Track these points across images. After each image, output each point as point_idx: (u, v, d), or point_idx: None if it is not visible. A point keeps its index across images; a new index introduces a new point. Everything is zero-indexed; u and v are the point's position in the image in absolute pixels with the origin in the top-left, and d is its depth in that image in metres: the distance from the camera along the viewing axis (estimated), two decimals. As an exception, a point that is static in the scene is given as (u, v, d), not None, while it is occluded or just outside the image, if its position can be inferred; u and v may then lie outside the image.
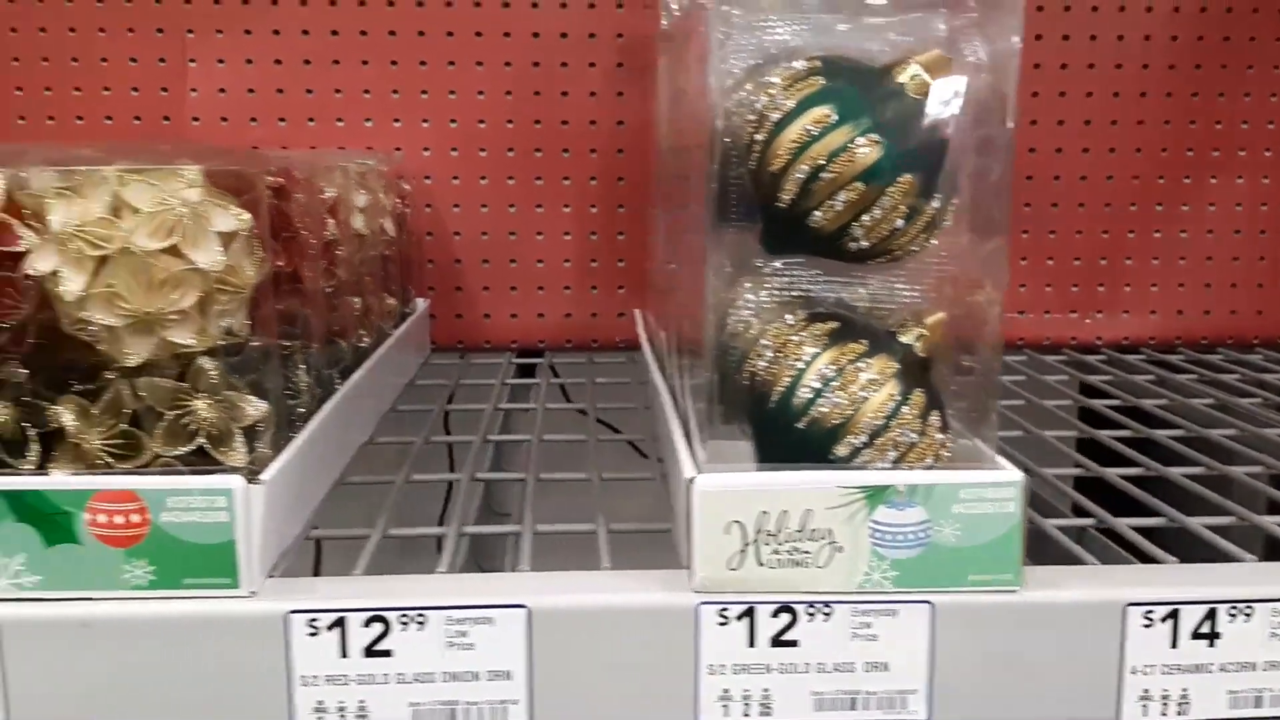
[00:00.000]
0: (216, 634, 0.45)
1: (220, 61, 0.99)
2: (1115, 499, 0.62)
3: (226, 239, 0.46)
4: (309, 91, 1.00)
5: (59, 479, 0.45)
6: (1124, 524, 0.57)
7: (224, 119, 1.00)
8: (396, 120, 1.01)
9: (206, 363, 0.48)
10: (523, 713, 0.46)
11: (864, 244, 0.46)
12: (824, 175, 0.45)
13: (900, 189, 0.45)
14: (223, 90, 0.99)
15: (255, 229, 0.47)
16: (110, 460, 0.46)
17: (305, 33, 0.99)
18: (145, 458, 0.46)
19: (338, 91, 1.00)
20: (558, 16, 1.00)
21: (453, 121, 1.01)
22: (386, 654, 0.45)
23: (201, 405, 0.47)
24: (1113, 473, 0.65)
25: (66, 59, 0.98)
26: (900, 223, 0.45)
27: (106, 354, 0.47)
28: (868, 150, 0.44)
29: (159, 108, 0.99)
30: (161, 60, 0.99)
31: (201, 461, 0.47)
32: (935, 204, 0.46)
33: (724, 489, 0.45)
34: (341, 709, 0.45)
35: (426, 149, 1.01)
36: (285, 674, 0.45)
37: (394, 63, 1.00)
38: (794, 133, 0.45)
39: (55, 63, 0.98)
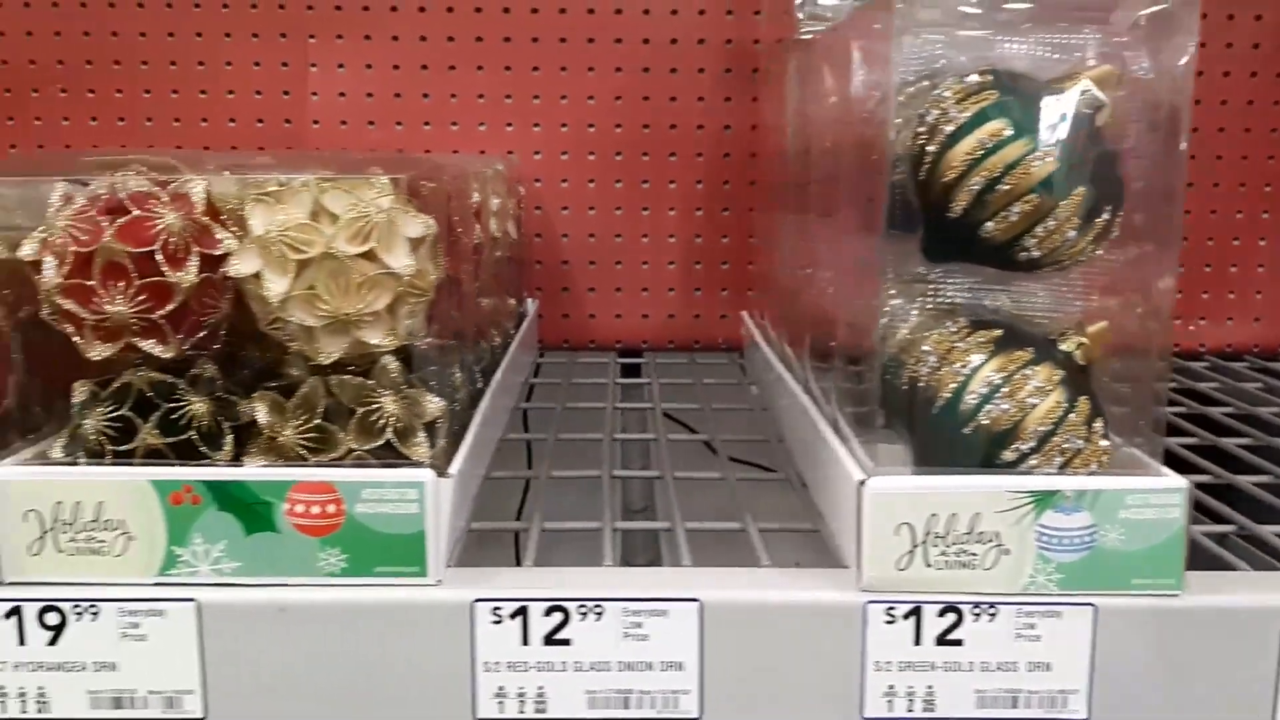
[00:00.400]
0: (405, 620, 0.47)
1: (340, 66, 1.02)
2: (1245, 506, 0.62)
3: (415, 244, 0.48)
4: (425, 96, 1.02)
5: (262, 470, 0.47)
6: (1268, 531, 0.57)
7: (343, 122, 1.02)
8: (509, 124, 1.03)
9: (390, 361, 0.50)
10: (693, 703, 0.48)
11: (1035, 254, 0.47)
12: (999, 187, 0.46)
13: (1074, 201, 0.46)
14: (342, 94, 1.02)
15: (439, 234, 0.49)
16: (304, 454, 0.48)
17: (423, 38, 1.01)
18: (339, 451, 0.48)
19: (453, 96, 1.02)
20: (668, 23, 1.01)
21: (563, 125, 1.03)
22: (565, 643, 0.47)
23: (389, 402, 0.49)
24: (1244, 480, 0.65)
25: (192, 63, 1.01)
26: (1072, 234, 0.46)
27: (297, 352, 0.50)
28: (1043, 164, 0.45)
29: (281, 111, 1.02)
30: (284, 64, 1.02)
31: (388, 456, 0.49)
32: (1105, 216, 0.47)
33: (896, 492, 0.46)
34: (521, 695, 0.47)
35: (537, 152, 1.03)
36: (469, 660, 0.47)
37: (508, 68, 1.02)
38: (969, 145, 0.46)
39: (182, 66, 1.01)
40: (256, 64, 1.01)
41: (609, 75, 1.02)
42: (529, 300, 1.02)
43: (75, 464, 0.48)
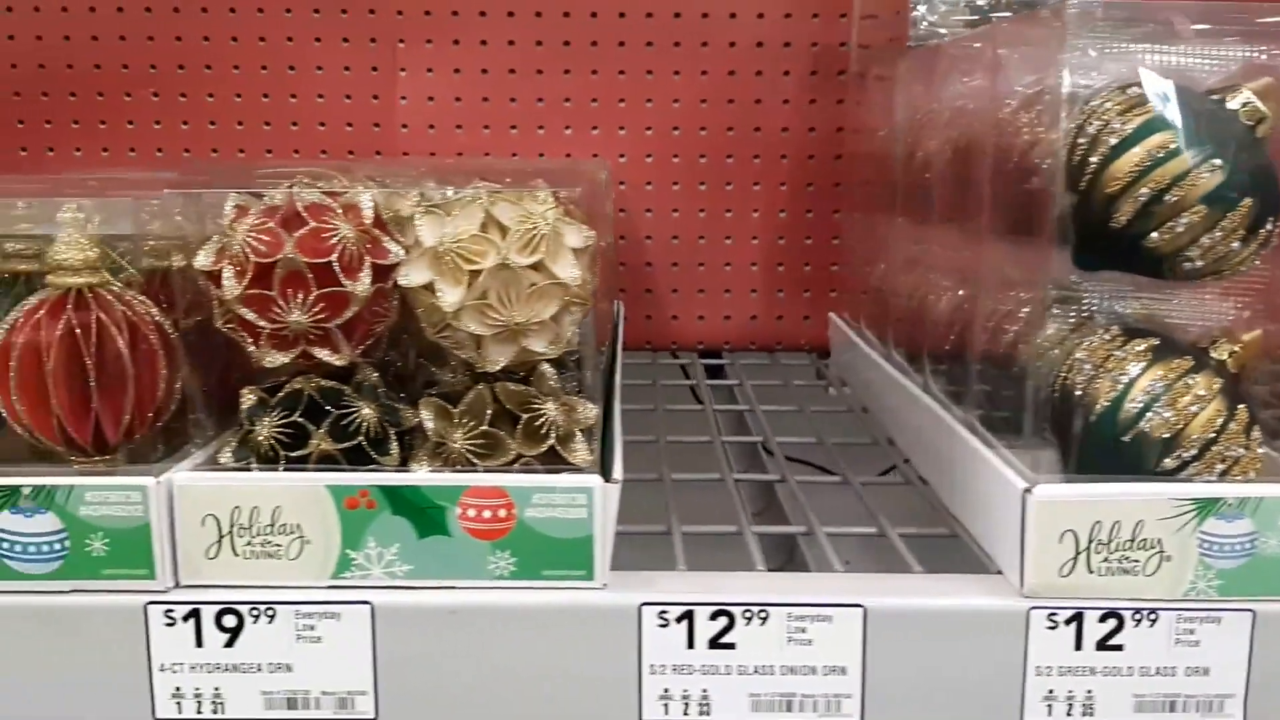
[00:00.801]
0: (572, 623, 0.48)
1: (429, 70, 1.03)
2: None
3: (577, 254, 0.49)
4: (512, 100, 1.03)
5: (436, 475, 0.48)
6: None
7: (431, 126, 1.03)
8: (594, 128, 1.04)
9: (547, 369, 0.51)
10: (855, 707, 0.48)
11: (1198, 264, 0.47)
12: (1166, 199, 0.46)
13: (1241, 213, 0.46)
14: (431, 98, 1.03)
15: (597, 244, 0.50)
16: (473, 459, 0.49)
17: (511, 43, 1.02)
18: (508, 457, 0.49)
19: (539, 100, 1.03)
20: (754, 26, 1.02)
21: (648, 129, 1.04)
22: (730, 646, 0.48)
23: (551, 408, 0.50)
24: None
25: (284, 67, 1.03)
26: (1236, 245, 0.47)
27: (457, 359, 0.51)
28: (1211, 176, 0.46)
29: (370, 114, 1.03)
30: (374, 69, 1.03)
31: (552, 461, 0.50)
32: (1268, 226, 0.47)
33: (1062, 500, 0.47)
34: (686, 697, 0.48)
35: (622, 155, 1.04)
36: (635, 662, 0.48)
37: (594, 72, 1.03)
38: (1135, 157, 0.47)
39: (273, 70, 1.02)
40: (346, 69, 1.03)
41: (694, 78, 1.03)
42: (616, 302, 1.03)
43: (248, 469, 0.49)
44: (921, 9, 0.73)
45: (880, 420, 0.78)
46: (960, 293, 0.64)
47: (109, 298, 0.49)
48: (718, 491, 0.67)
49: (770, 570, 0.53)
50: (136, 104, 1.03)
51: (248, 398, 0.51)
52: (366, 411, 0.50)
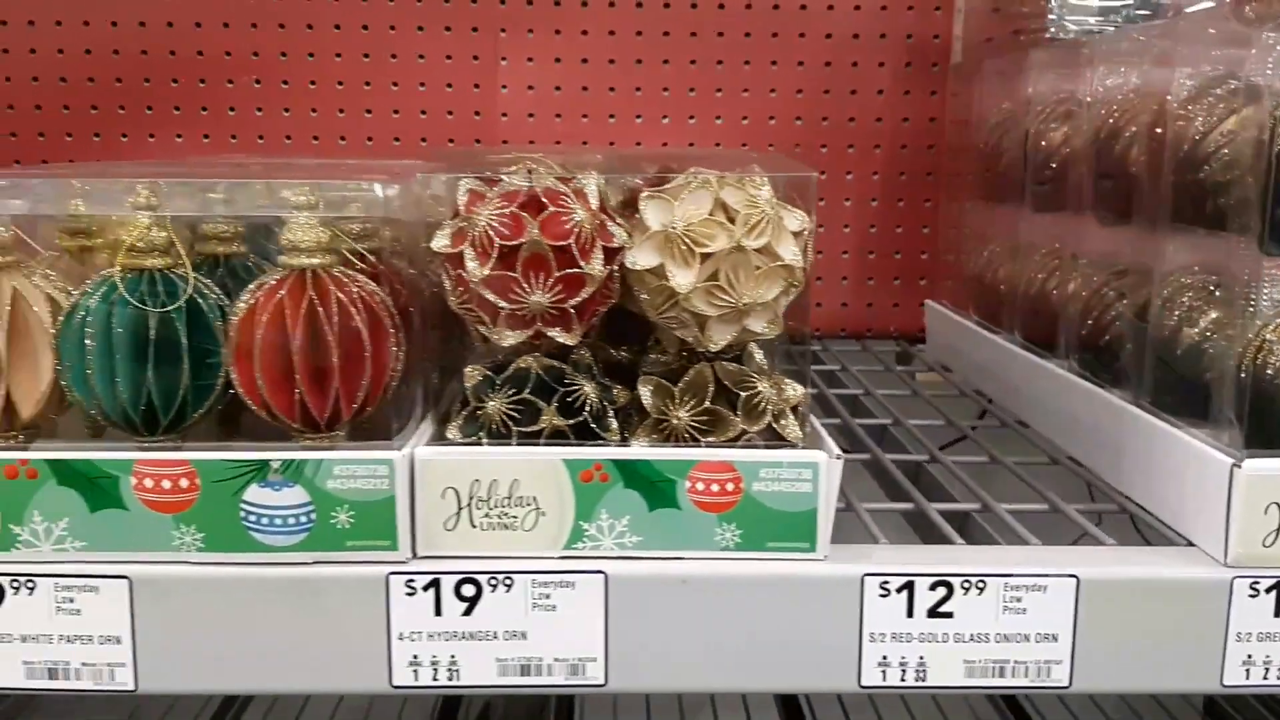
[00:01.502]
0: (795, 593, 0.50)
1: (530, 60, 1.04)
2: None
3: (795, 237, 0.51)
4: (611, 89, 1.05)
5: (669, 450, 0.50)
6: None
7: (531, 115, 1.05)
8: (691, 117, 1.06)
9: (755, 349, 0.53)
10: (1064, 673, 0.51)
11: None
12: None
13: None
14: (531, 87, 1.05)
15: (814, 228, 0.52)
16: (696, 435, 0.51)
17: (611, 33, 1.04)
18: (731, 433, 0.51)
19: (638, 89, 1.05)
20: (851, 18, 1.04)
21: (744, 118, 1.06)
22: (948, 615, 0.50)
23: (766, 386, 0.52)
24: None
25: (386, 55, 1.04)
26: None
27: (674, 339, 0.53)
28: None
29: (471, 103, 1.05)
30: (475, 58, 1.04)
31: (769, 438, 0.52)
32: None
33: (1268, 473, 0.49)
34: (903, 664, 0.50)
35: (718, 144, 1.06)
36: (856, 631, 0.50)
37: (693, 62, 1.04)
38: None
39: (375, 58, 1.04)
40: (448, 57, 1.04)
41: (791, 69, 1.05)
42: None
43: (479, 444, 0.51)
44: (1055, 3, 0.75)
45: (1005, 403, 0.81)
46: (1112, 279, 0.66)
47: (342, 278, 0.51)
48: (868, 470, 0.69)
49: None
50: (238, 90, 1.04)
51: (472, 376, 0.53)
52: (589, 389, 0.52)
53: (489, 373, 0.52)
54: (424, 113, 1.05)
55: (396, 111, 1.05)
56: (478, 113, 1.05)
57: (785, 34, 1.04)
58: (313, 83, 1.04)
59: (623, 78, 1.04)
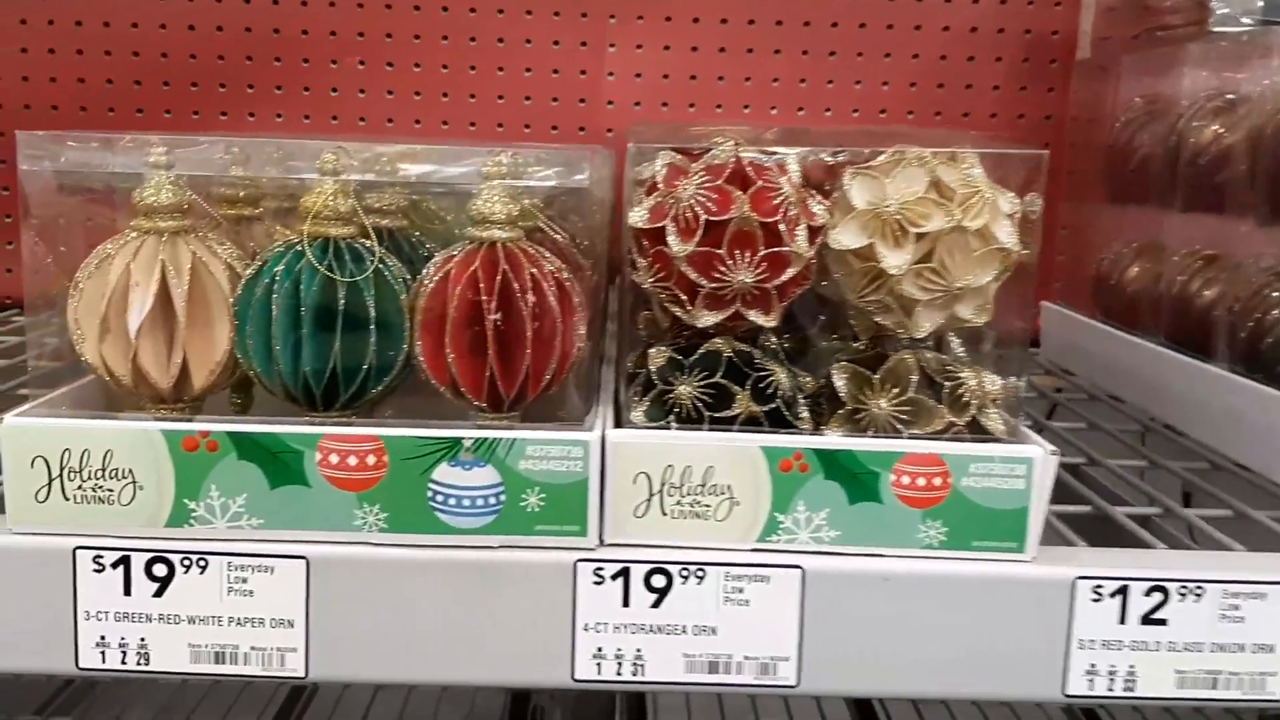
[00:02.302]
0: (1002, 595, 0.48)
1: (639, 47, 1.02)
2: None
3: (1009, 220, 0.49)
4: (720, 79, 1.02)
5: (873, 441, 0.48)
6: None
7: (637, 103, 1.03)
8: (800, 109, 1.03)
9: (953, 338, 0.51)
10: (1279, 685, 0.48)
11: None
12: None
13: None
14: (639, 75, 1.02)
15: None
16: (898, 426, 0.49)
17: (724, 21, 1.01)
18: (935, 425, 0.49)
19: (747, 79, 1.03)
20: (969, 11, 1.01)
21: (855, 111, 1.03)
22: (1161, 623, 0.48)
23: (970, 376, 0.49)
24: None
25: (492, 39, 1.02)
26: None
27: (869, 325, 0.50)
28: None
29: (576, 90, 1.03)
30: (583, 44, 1.02)
31: (975, 431, 0.49)
32: None
33: None
34: (1112, 673, 0.48)
35: (828, 137, 1.04)
36: (1064, 637, 0.48)
37: (805, 52, 1.02)
38: None
39: (481, 43, 1.02)
40: (555, 43, 1.02)
41: (905, 61, 1.02)
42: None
43: (667, 428, 0.49)
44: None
45: (1145, 406, 0.78)
46: (1274, 280, 0.63)
47: (532, 252, 0.49)
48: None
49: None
50: (341, 71, 1.02)
51: (657, 358, 0.50)
52: (781, 375, 0.50)
53: (676, 355, 0.50)
54: (528, 99, 1.03)
55: (501, 97, 1.03)
56: (583, 100, 1.03)
57: (901, 26, 1.02)
58: (417, 65, 1.02)
59: (732, 66, 1.02)
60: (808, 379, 0.52)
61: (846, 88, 1.03)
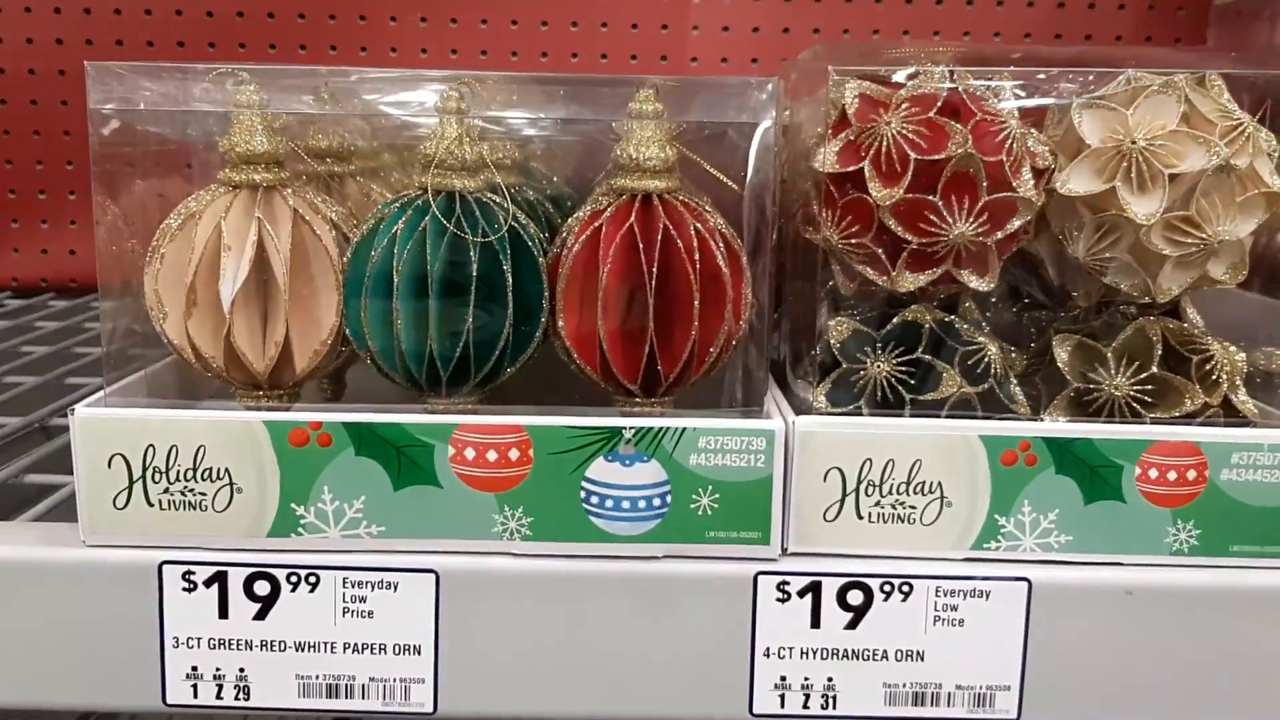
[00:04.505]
0: (1267, 610, 0.40)
1: (726, -2, 0.94)
2: None
3: (1270, 159, 0.41)
4: (815, 30, 0.94)
5: (1118, 428, 0.40)
6: None
7: (724, 59, 0.95)
8: (902, 63, 0.95)
9: (1189, 305, 0.43)
10: None
11: None
12: None
13: None
14: (726, 29, 0.94)
15: None
16: (1137, 408, 0.41)
17: (819, -33, 0.93)
18: (1183, 407, 0.40)
19: (846, 31, 0.94)
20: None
21: (961, 66, 0.95)
22: None
23: (1219, 349, 0.41)
24: None
25: (568, -8, 0.94)
26: None
27: (1097, 287, 0.42)
28: None
29: (657, 46, 0.94)
30: (666, -5, 0.94)
31: (1228, 413, 0.41)
32: None
33: None
34: (1400, 702, 0.40)
35: (931, 95, 0.95)
36: (1345, 659, 0.40)
37: (909, 1, 0.94)
38: None
39: (555, -5, 0.94)
40: (636, -7, 0.94)
41: (1019, 10, 0.94)
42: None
43: (859, 414, 0.41)
44: None
45: None
46: None
47: (693, 205, 0.41)
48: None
49: None
50: (401, 28, 0.94)
51: (840, 331, 0.42)
52: (993, 350, 0.41)
53: (861, 326, 0.42)
54: (604, 57, 0.95)
55: (575, 55, 0.95)
56: (664, 57, 0.95)
57: (1010, -15, 0.93)
58: (484, 21, 0.94)
59: (829, 18, 0.94)
60: (1014, 353, 0.43)
61: (955, 39, 0.94)
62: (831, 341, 0.42)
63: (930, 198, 0.39)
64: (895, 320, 0.42)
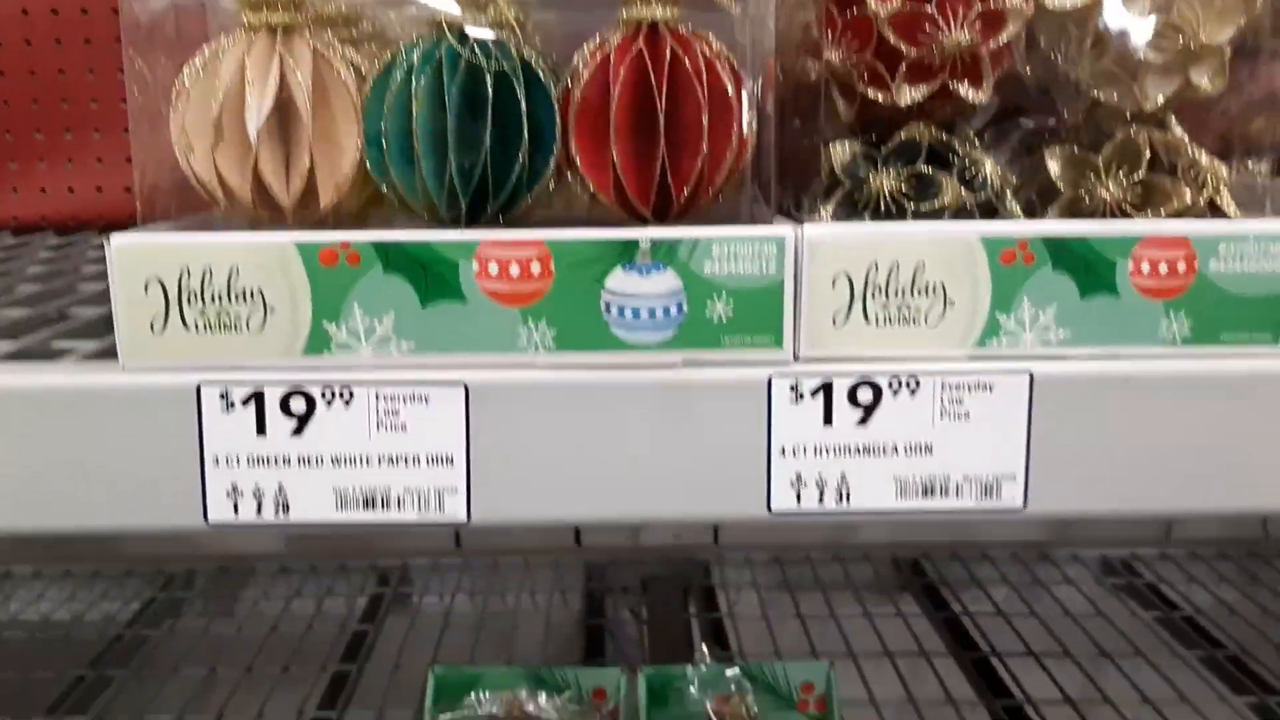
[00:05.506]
0: (1257, 392, 0.42)
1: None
2: None
3: (1245, -30, 0.42)
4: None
5: (1110, 224, 0.42)
6: None
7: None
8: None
9: (1170, 117, 0.45)
10: None
11: None
12: None
13: None
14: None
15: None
16: (1130, 212, 0.43)
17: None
18: (1177, 205, 0.42)
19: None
20: None
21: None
22: None
23: (1205, 157, 0.43)
24: None
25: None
26: None
27: (1096, 102, 0.44)
28: None
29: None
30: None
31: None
32: None
33: None
34: (1383, 478, 0.42)
35: None
36: (1321, 439, 0.42)
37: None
38: None
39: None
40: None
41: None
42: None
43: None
44: None
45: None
46: None
47: (698, 33, 0.43)
48: None
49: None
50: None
51: (841, 153, 0.44)
52: (989, 165, 0.43)
53: (864, 146, 0.44)
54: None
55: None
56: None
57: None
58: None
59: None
60: (1007, 172, 0.45)
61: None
62: (835, 163, 0.44)
63: (926, 8, 0.40)
64: (896, 139, 0.44)
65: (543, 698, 0.60)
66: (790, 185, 0.48)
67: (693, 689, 0.62)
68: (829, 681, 0.64)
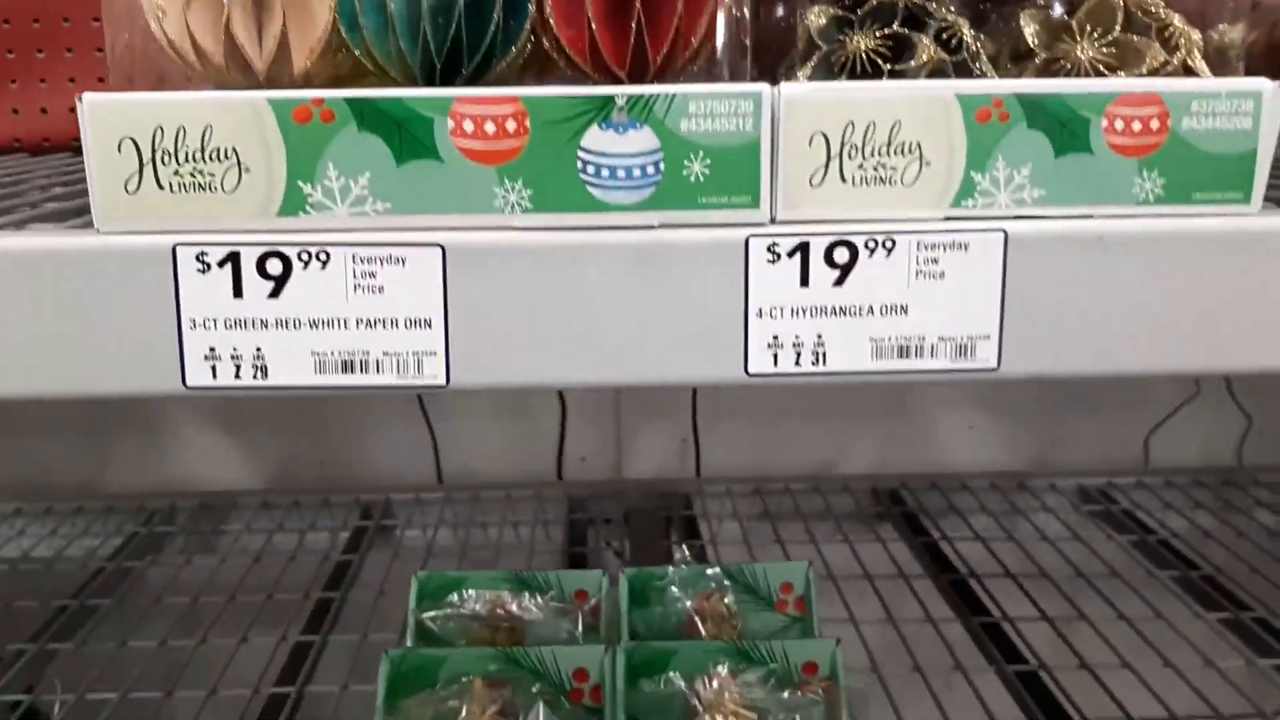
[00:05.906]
0: (1230, 251, 0.42)
1: None
2: None
3: None
4: None
5: (1085, 82, 0.42)
6: None
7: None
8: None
9: (1147, -14, 0.45)
10: None
11: None
12: None
13: None
14: None
15: None
16: (1104, 72, 0.43)
17: None
18: (1152, 64, 0.43)
19: None
20: None
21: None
22: None
23: (1178, 20, 0.43)
24: None
25: None
26: None
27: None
28: None
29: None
30: None
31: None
32: None
33: None
34: (1353, 335, 0.43)
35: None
36: (1299, 296, 0.42)
37: None
38: None
39: None
40: None
41: None
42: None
43: (839, 90, 0.43)
44: None
45: None
46: None
47: (673, -107, 0.42)
48: None
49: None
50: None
51: (817, 15, 0.44)
52: (964, 26, 0.44)
53: (839, 13, 0.44)
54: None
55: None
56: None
57: None
58: None
59: None
60: (983, 39, 0.45)
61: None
62: (810, 28, 0.44)
63: None
64: (871, 2, 0.44)
65: (525, 597, 0.61)
66: (768, 66, 0.48)
67: (673, 588, 0.62)
68: (808, 582, 0.65)
